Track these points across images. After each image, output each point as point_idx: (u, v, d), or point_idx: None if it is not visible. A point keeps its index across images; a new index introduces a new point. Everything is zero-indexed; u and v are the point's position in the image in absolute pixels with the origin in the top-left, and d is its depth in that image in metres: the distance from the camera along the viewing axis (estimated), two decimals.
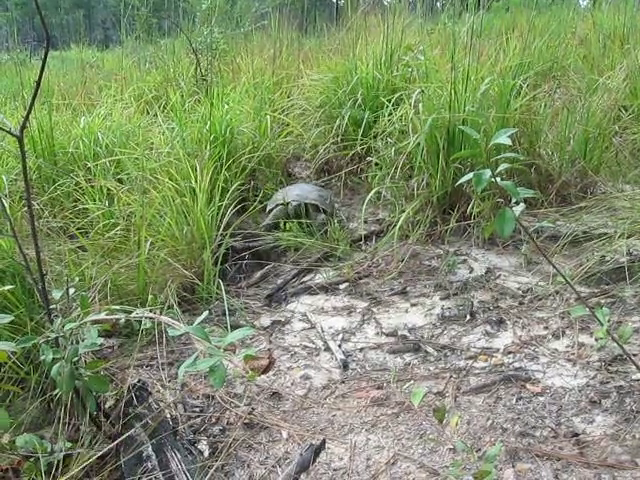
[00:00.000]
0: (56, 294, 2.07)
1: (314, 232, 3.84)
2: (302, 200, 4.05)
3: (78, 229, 3.29)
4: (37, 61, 7.70)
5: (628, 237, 3.18)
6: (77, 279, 2.66)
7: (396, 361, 2.69)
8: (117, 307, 1.85)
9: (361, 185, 4.59)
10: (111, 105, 4.94)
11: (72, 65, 8.05)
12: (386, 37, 4.95)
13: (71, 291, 2.11)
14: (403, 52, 4.95)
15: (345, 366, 2.65)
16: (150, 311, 1.80)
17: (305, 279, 3.50)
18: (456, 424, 2.14)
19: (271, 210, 4.10)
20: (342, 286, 3.40)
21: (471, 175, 1.82)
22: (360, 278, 3.44)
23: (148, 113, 4.98)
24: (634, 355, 2.52)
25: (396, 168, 3.78)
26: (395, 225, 3.63)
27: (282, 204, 4.05)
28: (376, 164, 4.17)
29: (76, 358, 1.90)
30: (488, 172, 1.73)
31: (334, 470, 2.04)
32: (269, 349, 2.82)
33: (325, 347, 2.82)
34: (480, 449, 2.08)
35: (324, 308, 3.19)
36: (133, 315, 1.76)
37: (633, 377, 2.42)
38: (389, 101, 4.33)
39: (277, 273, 3.56)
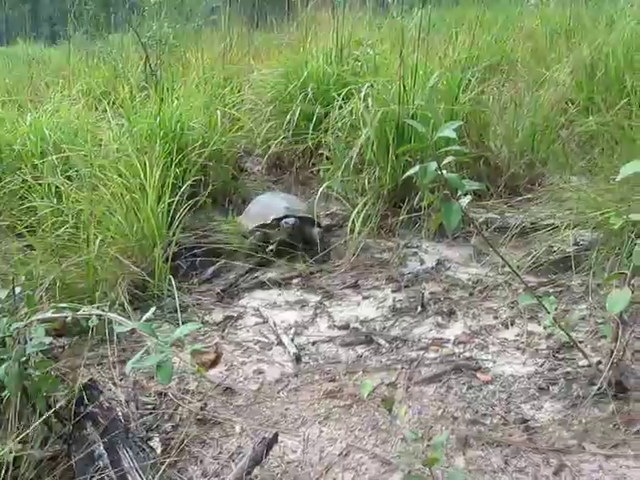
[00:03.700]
0: (2, 293, 2.04)
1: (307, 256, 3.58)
2: (295, 214, 3.58)
3: (26, 227, 3.23)
4: None
5: (574, 227, 3.25)
6: (23, 278, 2.61)
7: (348, 354, 2.70)
8: (64, 305, 1.82)
9: (313, 179, 4.59)
10: (58, 101, 4.85)
11: (18, 61, 7.89)
12: (336, 31, 4.96)
13: (18, 290, 2.08)
14: (353, 47, 4.98)
15: (298, 360, 2.65)
16: (98, 308, 1.79)
17: (257, 274, 3.49)
18: (404, 414, 2.17)
19: (254, 231, 3.66)
20: (295, 280, 3.40)
21: (417, 168, 1.85)
22: (312, 272, 3.45)
23: (97, 109, 4.89)
24: (581, 342, 2.57)
25: (348, 162, 3.80)
26: (347, 219, 3.65)
27: (266, 225, 3.62)
28: (327, 158, 4.18)
29: (24, 358, 1.88)
30: (434, 165, 1.76)
31: (287, 463, 2.05)
32: (216, 343, 2.81)
33: (278, 341, 2.82)
34: (432, 438, 2.10)
35: (277, 302, 3.20)
36: (80, 313, 1.74)
37: (580, 364, 2.47)
38: (339, 95, 4.35)
39: (229, 269, 3.54)
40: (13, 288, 2.05)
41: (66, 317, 1.79)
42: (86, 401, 2.18)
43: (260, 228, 3.64)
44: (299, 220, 3.57)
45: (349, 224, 3.59)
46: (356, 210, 3.64)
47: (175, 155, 3.83)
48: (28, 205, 3.49)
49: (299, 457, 2.08)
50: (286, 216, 3.58)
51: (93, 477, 1.87)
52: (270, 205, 3.77)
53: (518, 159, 4.17)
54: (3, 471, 1.87)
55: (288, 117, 4.67)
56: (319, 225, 3.70)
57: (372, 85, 4.05)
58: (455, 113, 3.96)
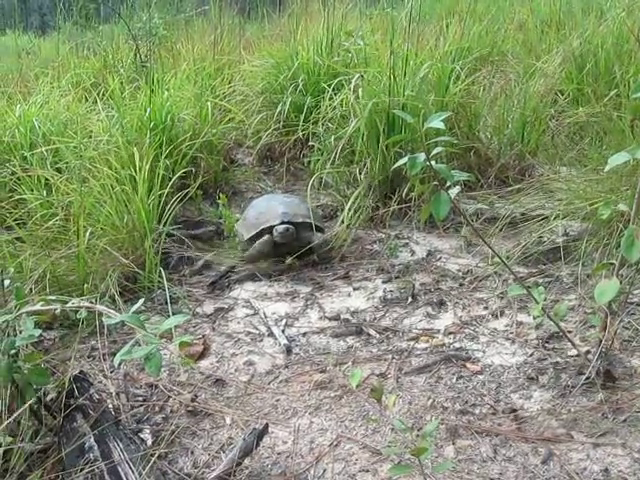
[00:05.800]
0: None
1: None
2: (292, 220, 3.37)
3: (15, 220, 3.22)
4: None
5: (564, 218, 3.27)
6: (12, 270, 2.60)
7: (339, 345, 2.71)
8: (53, 297, 1.82)
9: (303, 171, 4.59)
10: (48, 93, 4.83)
11: (7, 52, 7.84)
12: (327, 22, 4.95)
13: (7, 282, 2.07)
14: (344, 38, 4.97)
15: (288, 351, 2.66)
16: (88, 300, 1.79)
17: (248, 266, 3.49)
18: (394, 404, 2.18)
19: (253, 238, 3.42)
20: (285, 272, 3.40)
21: (407, 159, 1.85)
22: (303, 264, 3.45)
23: (87, 101, 4.87)
24: (569, 332, 2.58)
25: (337, 153, 3.79)
26: (338, 210, 3.65)
27: (266, 230, 3.38)
28: (318, 149, 4.18)
29: (14, 351, 1.88)
30: (422, 156, 1.76)
31: (278, 454, 2.06)
32: (203, 335, 2.82)
33: (268, 333, 2.83)
34: (422, 428, 2.12)
35: (267, 294, 3.20)
36: (69, 305, 1.74)
37: (569, 353, 2.49)
38: (330, 86, 4.34)
39: (220, 261, 3.54)
40: (2, 280, 2.04)
41: (55, 309, 1.79)
42: (76, 393, 2.18)
43: (255, 238, 3.41)
44: (294, 226, 3.35)
45: (345, 216, 3.58)
46: (350, 201, 3.64)
47: (165, 147, 3.82)
48: (17, 197, 3.48)
49: (289, 448, 2.09)
50: (282, 222, 3.36)
51: (83, 469, 1.87)
52: (267, 211, 3.48)
53: (508, 150, 4.18)
54: None
55: (279, 108, 4.67)
56: (319, 229, 3.46)
57: (362, 76, 4.04)
58: (445, 104, 3.96)
